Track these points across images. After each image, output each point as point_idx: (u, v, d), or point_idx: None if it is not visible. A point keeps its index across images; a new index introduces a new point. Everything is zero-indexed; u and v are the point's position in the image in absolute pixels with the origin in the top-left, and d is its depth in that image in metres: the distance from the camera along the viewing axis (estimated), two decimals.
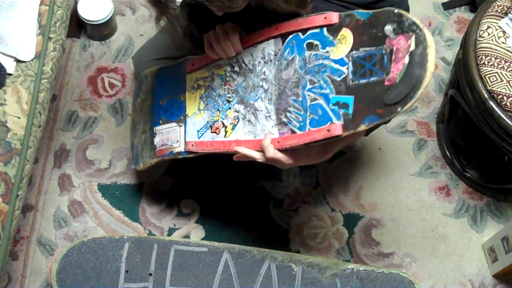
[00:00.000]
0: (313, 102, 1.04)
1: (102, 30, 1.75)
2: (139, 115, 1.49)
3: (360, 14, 0.99)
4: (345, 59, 1.00)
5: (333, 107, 1.01)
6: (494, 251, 1.51)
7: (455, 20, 1.87)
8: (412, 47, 0.91)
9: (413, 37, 0.91)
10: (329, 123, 1.01)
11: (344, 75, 1.00)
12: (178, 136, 1.33)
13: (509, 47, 1.33)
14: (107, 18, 1.69)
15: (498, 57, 1.32)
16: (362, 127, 0.96)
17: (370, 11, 0.97)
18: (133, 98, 1.54)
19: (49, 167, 1.61)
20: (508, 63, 1.32)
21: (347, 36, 1.00)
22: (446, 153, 1.66)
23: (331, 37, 1.02)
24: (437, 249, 1.57)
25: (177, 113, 1.34)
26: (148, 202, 1.59)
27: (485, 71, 1.31)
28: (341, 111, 0.99)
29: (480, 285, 1.54)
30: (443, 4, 1.88)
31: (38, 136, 1.24)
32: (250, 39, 1.16)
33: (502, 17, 1.36)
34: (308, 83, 1.06)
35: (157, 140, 1.39)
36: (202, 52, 1.25)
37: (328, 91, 1.02)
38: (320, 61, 1.04)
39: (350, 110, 0.98)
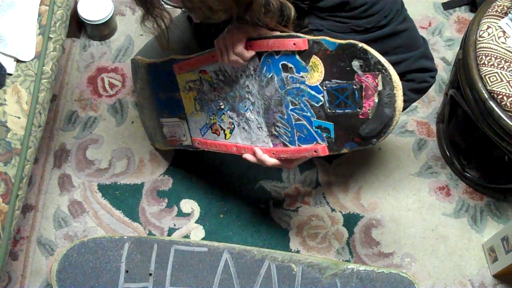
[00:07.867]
0: (298, 122, 1.12)
1: (102, 30, 1.75)
2: (142, 100, 1.57)
3: (327, 43, 1.02)
4: (320, 87, 1.05)
5: (316, 129, 1.09)
6: (494, 251, 1.51)
7: (455, 20, 1.87)
8: (380, 87, 0.97)
9: (380, 76, 0.96)
10: (314, 142, 1.10)
11: (321, 103, 1.06)
12: (184, 131, 1.41)
13: (509, 47, 1.33)
14: (107, 18, 1.69)
15: (498, 57, 1.32)
16: (345, 150, 1.06)
17: (337, 42, 1.00)
18: (132, 80, 1.59)
19: (49, 167, 1.61)
20: (508, 63, 1.32)
21: (318, 65, 1.04)
22: (446, 153, 1.66)
23: (303, 63, 1.06)
24: (437, 249, 1.57)
25: (177, 110, 1.39)
26: (148, 202, 1.59)
27: (485, 71, 1.31)
28: (324, 134, 1.08)
29: (480, 285, 1.54)
30: (443, 4, 1.88)
31: (38, 136, 1.24)
32: None
33: (502, 17, 1.36)
34: (290, 104, 1.12)
35: (165, 130, 1.48)
36: (200, 49, 1.27)
37: (309, 114, 1.10)
38: (297, 85, 1.09)
39: (332, 135, 1.07)
